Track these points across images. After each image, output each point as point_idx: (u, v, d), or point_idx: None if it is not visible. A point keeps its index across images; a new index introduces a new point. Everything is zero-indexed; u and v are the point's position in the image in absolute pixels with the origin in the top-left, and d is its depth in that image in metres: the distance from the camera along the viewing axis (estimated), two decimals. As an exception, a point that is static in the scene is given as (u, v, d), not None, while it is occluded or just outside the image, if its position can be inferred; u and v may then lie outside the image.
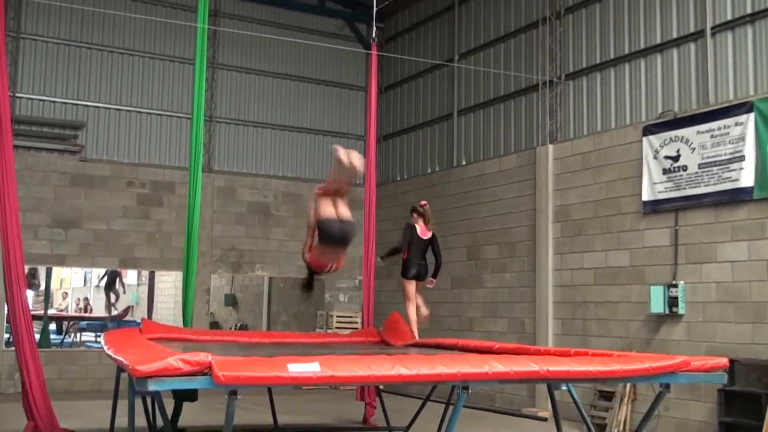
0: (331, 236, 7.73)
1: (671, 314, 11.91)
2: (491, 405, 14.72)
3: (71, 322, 21.29)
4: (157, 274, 20.17)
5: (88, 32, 17.36)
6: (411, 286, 10.62)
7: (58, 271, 20.65)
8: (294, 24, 19.45)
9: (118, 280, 21.58)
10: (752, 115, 11.12)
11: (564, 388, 7.06)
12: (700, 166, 11.80)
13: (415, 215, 11.04)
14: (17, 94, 16.41)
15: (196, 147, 11.05)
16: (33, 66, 16.79)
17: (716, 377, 7.55)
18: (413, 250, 10.72)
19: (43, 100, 16.85)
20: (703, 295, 11.64)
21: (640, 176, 12.69)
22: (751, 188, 11.06)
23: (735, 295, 11.21)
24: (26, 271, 19.70)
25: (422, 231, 10.92)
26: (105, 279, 21.78)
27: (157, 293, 22.30)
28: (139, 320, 18.14)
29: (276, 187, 19.06)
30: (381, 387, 12.21)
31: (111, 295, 21.56)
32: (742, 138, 11.21)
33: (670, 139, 12.28)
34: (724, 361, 7.37)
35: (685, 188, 11.99)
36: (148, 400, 9.28)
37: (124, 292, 21.97)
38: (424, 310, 10.99)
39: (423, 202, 11.24)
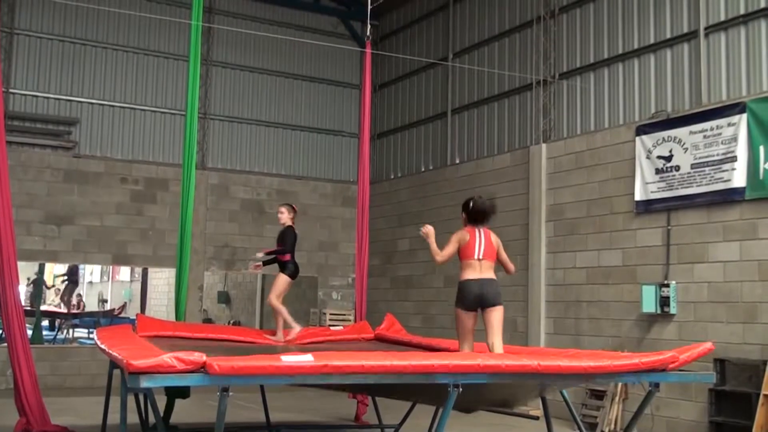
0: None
1: (663, 314, 11.96)
2: (483, 403, 14.74)
3: (64, 318, 21.25)
4: (151, 270, 20.16)
5: (82, 28, 17.34)
6: (289, 286, 10.64)
7: (50, 267, 20.61)
8: (288, 21, 19.46)
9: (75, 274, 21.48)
10: (745, 116, 11.16)
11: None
12: (692, 166, 11.84)
13: (293, 216, 10.93)
14: (11, 90, 16.38)
15: (190, 144, 11.05)
16: (27, 62, 16.76)
17: (706, 377, 7.61)
18: (294, 251, 10.74)
19: (36, 96, 16.82)
20: (694, 294, 11.69)
21: (633, 176, 12.74)
22: (743, 189, 11.10)
23: (726, 295, 11.25)
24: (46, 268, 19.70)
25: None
26: (66, 282, 21.68)
27: (150, 290, 22.27)
28: (132, 317, 18.17)
29: (270, 185, 19.06)
30: (373, 384, 12.22)
31: (72, 292, 21.44)
32: (735, 138, 11.26)
33: (663, 139, 12.32)
34: (709, 345, 7.39)
35: (677, 188, 12.03)
36: (141, 397, 9.29)
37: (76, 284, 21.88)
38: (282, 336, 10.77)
39: (295, 206, 11.19)
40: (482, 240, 7.78)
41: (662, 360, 6.92)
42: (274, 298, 10.65)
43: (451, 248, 7.74)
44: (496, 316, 7.67)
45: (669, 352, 7.09)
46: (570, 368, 6.62)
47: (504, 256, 8.05)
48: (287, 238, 10.71)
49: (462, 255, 7.75)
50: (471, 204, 7.90)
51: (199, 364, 5.51)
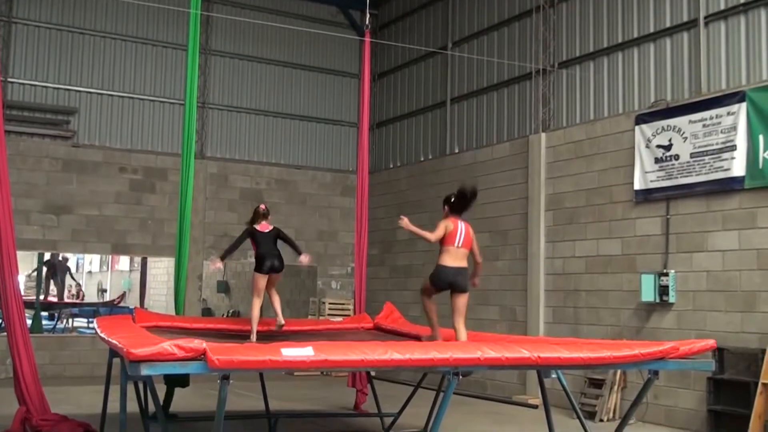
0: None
1: (662, 303, 11.97)
2: (482, 392, 14.79)
3: (62, 308, 21.25)
4: (150, 260, 20.17)
5: (80, 17, 17.28)
6: (263, 280, 10.09)
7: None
8: (287, 10, 19.39)
9: (59, 271, 21.39)
10: (744, 105, 11.15)
11: (554, 375, 7.11)
12: (692, 155, 11.83)
13: (252, 218, 10.43)
14: (9, 79, 16.35)
15: (189, 133, 11.02)
16: (25, 51, 16.71)
17: (705, 365, 7.63)
18: (262, 245, 10.14)
19: (35, 85, 16.78)
20: (693, 283, 11.70)
21: (633, 165, 12.73)
22: (742, 178, 11.10)
23: (725, 284, 11.27)
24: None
25: (263, 227, 10.28)
26: (45, 269, 21.64)
27: (149, 279, 22.27)
28: (131, 306, 18.21)
29: (269, 174, 19.04)
30: (372, 373, 12.25)
31: (52, 284, 21.40)
32: (734, 127, 11.25)
33: (663, 128, 12.31)
34: (711, 342, 7.42)
35: (676, 177, 12.03)
36: (140, 386, 9.31)
37: (74, 281, 21.81)
38: (281, 320, 10.36)
39: (262, 206, 10.55)
40: (462, 231, 8.91)
41: (662, 351, 6.94)
42: (253, 293, 10.40)
43: (441, 231, 8.84)
44: (463, 301, 8.88)
45: (669, 343, 7.10)
46: (569, 360, 6.63)
47: (477, 248, 9.20)
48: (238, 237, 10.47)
49: (444, 241, 8.85)
50: (453, 199, 9.05)
51: (200, 351, 5.51)
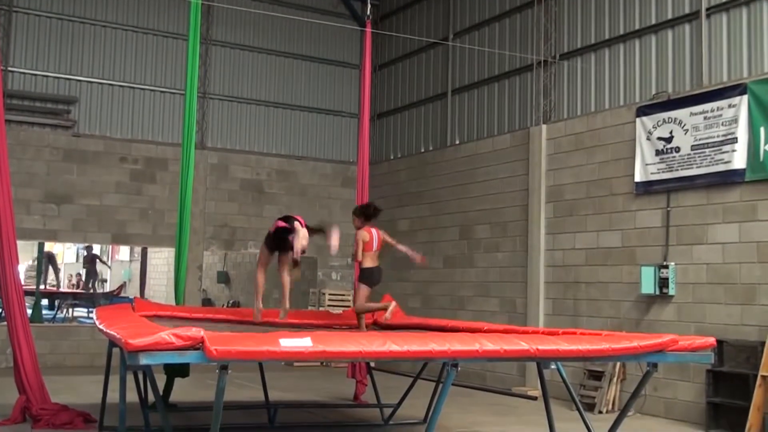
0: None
1: (662, 295, 11.97)
2: (482, 383, 14.81)
3: (62, 298, 21.29)
4: (150, 250, 20.18)
5: (81, 6, 17.24)
6: (266, 254, 10.66)
7: (50, 247, 20.64)
8: (288, 0, 19.32)
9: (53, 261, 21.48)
10: (745, 98, 11.13)
11: (553, 367, 7.11)
12: (692, 147, 11.82)
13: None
14: (9, 68, 16.31)
15: (189, 123, 11.01)
16: (25, 40, 16.68)
17: (704, 357, 7.63)
18: (275, 232, 10.50)
19: (35, 75, 16.75)
20: (693, 276, 11.70)
21: (633, 157, 12.71)
22: (743, 170, 11.09)
23: (725, 277, 11.26)
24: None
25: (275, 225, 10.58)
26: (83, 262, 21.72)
27: (149, 270, 22.28)
28: (131, 297, 18.22)
29: (269, 165, 19.03)
30: (372, 364, 12.27)
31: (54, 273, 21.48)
32: (735, 120, 11.23)
33: (664, 120, 12.29)
34: (711, 340, 7.44)
35: (677, 170, 12.01)
36: (140, 376, 9.33)
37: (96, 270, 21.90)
38: (286, 307, 10.48)
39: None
40: (376, 237, 10.32)
41: (660, 344, 6.94)
42: (257, 265, 10.82)
43: (361, 247, 10.24)
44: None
45: (668, 336, 7.10)
46: (568, 352, 6.63)
47: (391, 240, 10.58)
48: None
49: (366, 248, 10.26)
50: (364, 210, 10.52)
51: (197, 339, 5.51)
